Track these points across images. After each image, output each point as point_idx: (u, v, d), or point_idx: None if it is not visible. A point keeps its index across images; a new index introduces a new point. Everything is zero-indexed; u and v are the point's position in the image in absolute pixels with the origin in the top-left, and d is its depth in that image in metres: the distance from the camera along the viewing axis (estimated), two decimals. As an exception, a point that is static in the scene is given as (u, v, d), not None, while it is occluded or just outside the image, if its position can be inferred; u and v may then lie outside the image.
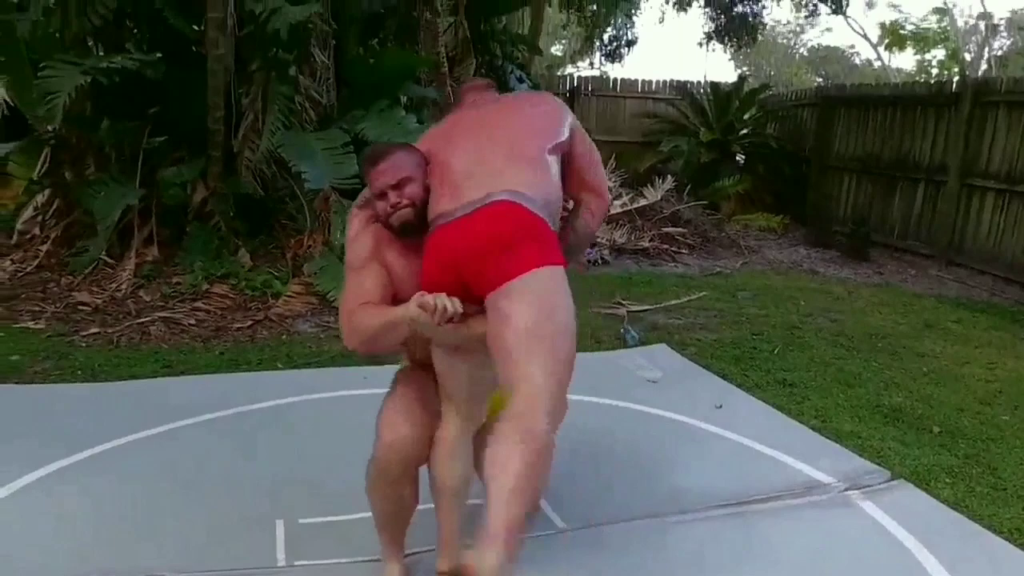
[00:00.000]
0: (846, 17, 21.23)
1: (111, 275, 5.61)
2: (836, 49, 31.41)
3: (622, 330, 5.28)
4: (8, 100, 6.96)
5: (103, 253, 5.76)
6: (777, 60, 31.55)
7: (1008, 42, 25.67)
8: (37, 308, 5.16)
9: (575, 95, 12.09)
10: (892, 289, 7.31)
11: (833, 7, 15.56)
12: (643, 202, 8.76)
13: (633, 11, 16.12)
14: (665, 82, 12.79)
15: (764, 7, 15.78)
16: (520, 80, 9.72)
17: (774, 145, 11.15)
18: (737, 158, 11.34)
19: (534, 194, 2.12)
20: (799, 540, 2.80)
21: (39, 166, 6.51)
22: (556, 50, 24.30)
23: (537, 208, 2.10)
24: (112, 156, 6.24)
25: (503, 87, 8.50)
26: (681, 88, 12.20)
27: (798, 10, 16.16)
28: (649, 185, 9.08)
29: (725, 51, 17.91)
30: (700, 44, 16.62)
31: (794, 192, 10.75)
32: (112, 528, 2.69)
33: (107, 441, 3.32)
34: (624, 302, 6.04)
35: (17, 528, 2.67)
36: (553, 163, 2.26)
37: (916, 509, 3.03)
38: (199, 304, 5.32)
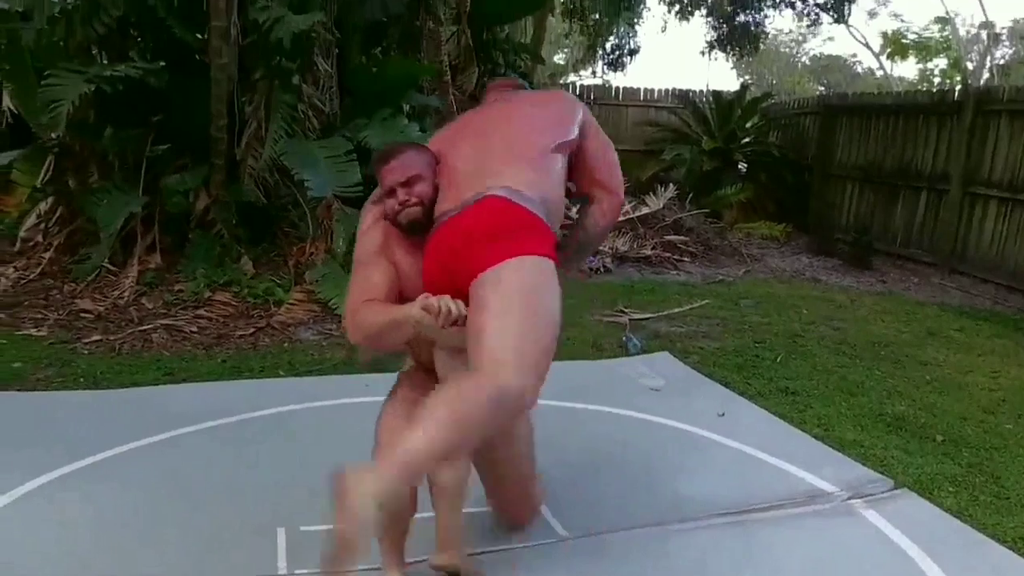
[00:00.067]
0: (848, 26, 21.22)
1: (114, 282, 5.62)
2: (838, 58, 31.44)
3: (624, 338, 5.27)
4: (12, 108, 6.98)
5: (106, 260, 5.76)
6: (779, 69, 31.60)
7: (1010, 51, 25.70)
8: (40, 315, 5.16)
9: (577, 103, 12.09)
10: (895, 297, 7.30)
11: (835, 16, 15.59)
12: (645, 210, 8.76)
13: (635, 20, 16.15)
14: (667, 91, 12.83)
15: (766, 16, 15.81)
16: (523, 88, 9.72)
17: (776, 153, 11.16)
18: (739, 166, 11.35)
19: (529, 191, 2.13)
20: (802, 549, 2.79)
21: (43, 174, 6.53)
22: (559, 59, 24.35)
23: (529, 203, 2.10)
24: (115, 164, 6.25)
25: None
26: (683, 97, 12.23)
27: (800, 19, 16.17)
28: (651, 193, 9.08)
29: (727, 60, 17.97)
30: (702, 53, 16.63)
31: (796, 200, 10.75)
32: (114, 535, 2.69)
33: (109, 448, 3.32)
34: (626, 310, 6.03)
35: (19, 535, 2.67)
36: (556, 161, 2.27)
37: (919, 518, 3.02)
38: (201, 311, 5.32)
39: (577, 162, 2.43)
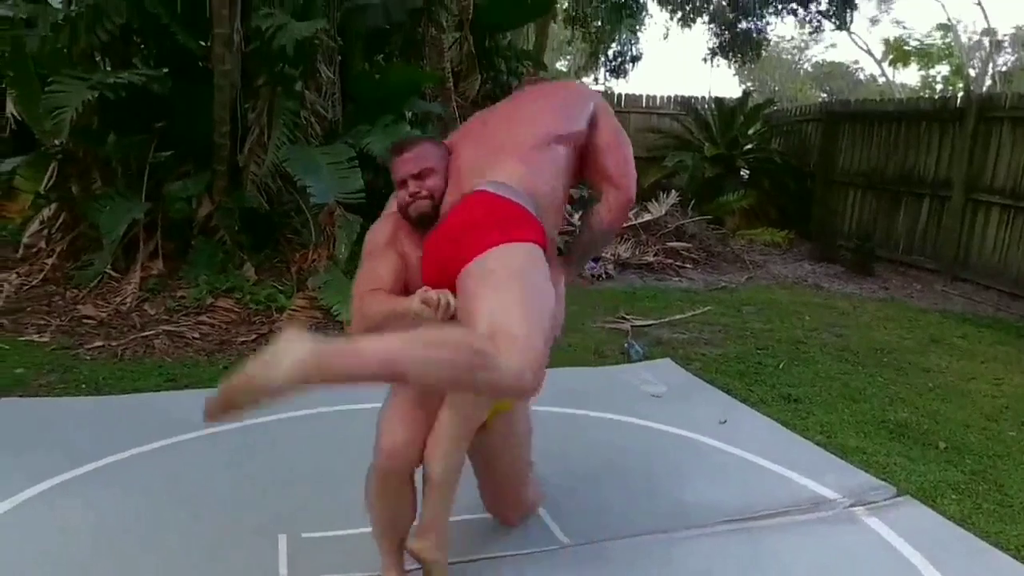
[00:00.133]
0: (850, 33, 21.29)
1: (116, 289, 5.62)
2: (840, 65, 31.52)
3: (626, 344, 5.27)
4: (16, 114, 7.00)
5: (108, 267, 5.77)
6: (781, 76, 31.66)
7: (1012, 58, 25.73)
8: (42, 321, 5.17)
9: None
10: (897, 304, 7.29)
11: (837, 23, 15.61)
12: (648, 217, 8.77)
13: (638, 27, 16.19)
14: (669, 97, 12.83)
15: (768, 23, 15.83)
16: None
17: (778, 160, 11.16)
18: (741, 173, 11.35)
19: (517, 184, 2.12)
20: (805, 556, 2.78)
21: (46, 180, 6.54)
22: (561, 66, 24.43)
23: (514, 196, 2.09)
24: (118, 170, 6.26)
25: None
26: (685, 103, 12.24)
27: (802, 26, 16.19)
28: (654, 200, 9.08)
29: (729, 67, 18.00)
30: (704, 60, 16.65)
31: (799, 207, 10.75)
32: (115, 541, 2.69)
33: (110, 454, 3.32)
34: (628, 317, 6.03)
35: (20, 541, 2.67)
36: (552, 153, 2.24)
37: (922, 525, 3.01)
38: (203, 318, 5.32)
39: (587, 155, 2.37)
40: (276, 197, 6.34)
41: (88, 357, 4.66)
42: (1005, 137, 7.77)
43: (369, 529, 2.39)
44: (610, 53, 16.59)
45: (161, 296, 5.57)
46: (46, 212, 6.49)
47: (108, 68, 6.20)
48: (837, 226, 10.13)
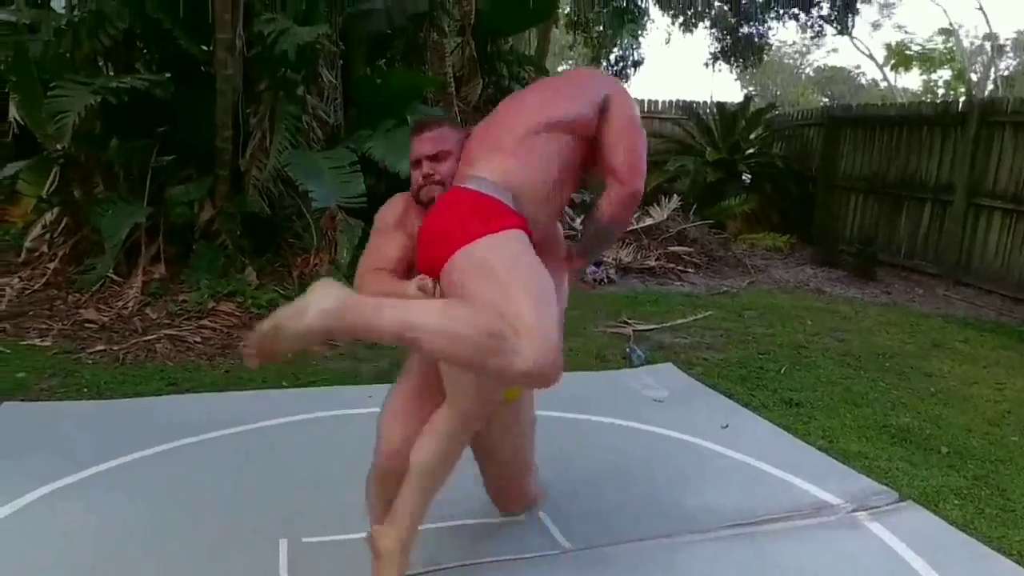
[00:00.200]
0: (852, 38, 21.32)
1: (118, 293, 5.63)
2: (842, 69, 31.57)
3: (628, 349, 5.26)
4: (19, 119, 7.01)
5: (110, 271, 5.77)
6: (783, 80, 31.70)
7: (1014, 62, 25.75)
8: (44, 325, 5.17)
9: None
10: (899, 309, 7.29)
11: (839, 28, 15.61)
12: (649, 221, 8.77)
13: (639, 32, 16.22)
14: (671, 102, 12.85)
15: (770, 28, 15.85)
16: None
17: (780, 165, 11.17)
18: (743, 177, 11.35)
19: (497, 178, 2.09)
20: (807, 561, 2.77)
21: (48, 184, 6.55)
22: (563, 70, 24.44)
23: (490, 189, 2.06)
24: (120, 175, 6.27)
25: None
26: (687, 108, 12.25)
27: (804, 31, 16.20)
28: (655, 204, 9.08)
29: (731, 71, 18.00)
30: (706, 64, 16.68)
31: (800, 211, 10.76)
32: (116, 545, 2.68)
33: (112, 458, 3.32)
34: (630, 321, 6.03)
35: (21, 545, 2.66)
36: (544, 142, 2.17)
37: (924, 531, 3.00)
38: (205, 322, 5.32)
39: (597, 143, 2.27)
40: (278, 201, 6.35)
41: (90, 361, 4.66)
42: (1007, 142, 7.77)
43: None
44: (612, 58, 16.61)
45: (163, 300, 5.57)
46: (48, 216, 6.50)
47: (111, 73, 6.22)
48: (839, 230, 10.13)
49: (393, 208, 2.33)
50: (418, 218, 2.26)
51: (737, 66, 16.90)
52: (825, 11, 14.85)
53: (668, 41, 31.49)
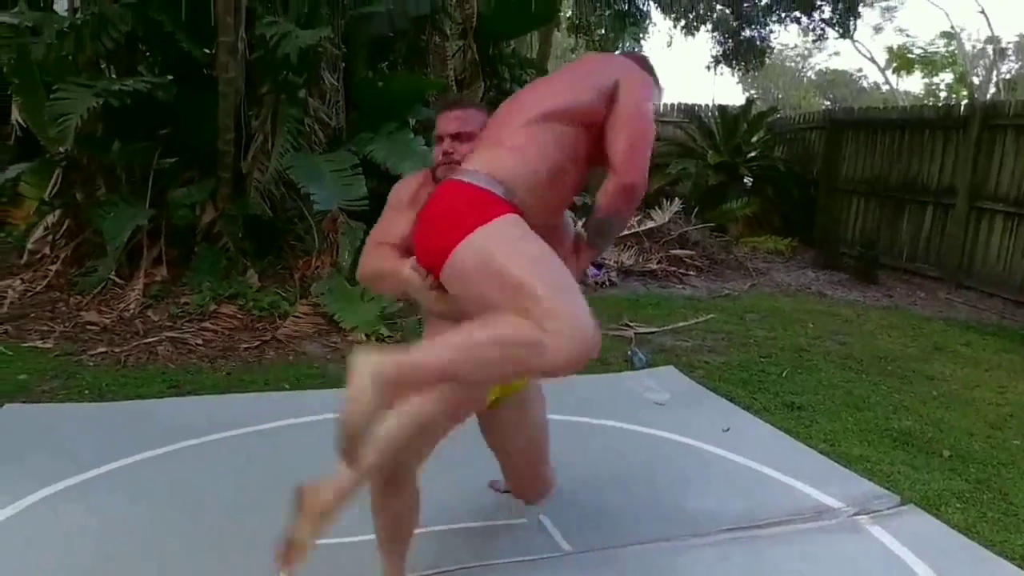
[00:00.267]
0: (853, 41, 21.30)
1: (120, 295, 5.63)
2: (844, 72, 31.59)
3: (630, 352, 5.26)
4: (21, 122, 7.03)
5: (112, 273, 5.78)
6: (785, 83, 31.72)
7: (1016, 66, 25.76)
8: (46, 327, 5.18)
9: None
10: (901, 312, 7.28)
11: (840, 31, 15.62)
12: (651, 224, 8.76)
13: (641, 35, 16.21)
14: (673, 105, 12.86)
15: (772, 31, 15.87)
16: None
17: (782, 168, 11.17)
18: (745, 180, 11.36)
19: (490, 170, 2.05)
20: (808, 565, 2.77)
21: (50, 187, 6.56)
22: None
23: (485, 183, 2.02)
24: (123, 177, 6.28)
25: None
26: (689, 111, 12.26)
27: (806, 34, 16.22)
28: (657, 207, 9.08)
29: (733, 74, 18.00)
30: (708, 68, 16.79)
31: (802, 215, 10.75)
32: (117, 547, 2.68)
33: (113, 461, 3.32)
34: (632, 324, 6.02)
35: (23, 547, 2.67)
36: (543, 130, 2.11)
37: (926, 534, 3.00)
38: (206, 324, 5.33)
39: (604, 131, 2.17)
40: (279, 204, 6.36)
41: (91, 363, 4.67)
42: (1009, 145, 7.77)
43: (372, 537, 2.39)
44: (613, 60, 16.58)
45: (164, 302, 5.58)
46: (50, 218, 6.51)
47: (113, 76, 6.22)
48: (841, 234, 10.12)
49: (408, 186, 2.36)
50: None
51: (739, 69, 16.90)
52: (827, 14, 14.88)
53: (670, 44, 31.45)
